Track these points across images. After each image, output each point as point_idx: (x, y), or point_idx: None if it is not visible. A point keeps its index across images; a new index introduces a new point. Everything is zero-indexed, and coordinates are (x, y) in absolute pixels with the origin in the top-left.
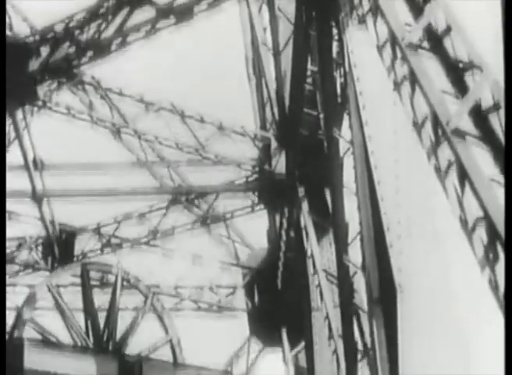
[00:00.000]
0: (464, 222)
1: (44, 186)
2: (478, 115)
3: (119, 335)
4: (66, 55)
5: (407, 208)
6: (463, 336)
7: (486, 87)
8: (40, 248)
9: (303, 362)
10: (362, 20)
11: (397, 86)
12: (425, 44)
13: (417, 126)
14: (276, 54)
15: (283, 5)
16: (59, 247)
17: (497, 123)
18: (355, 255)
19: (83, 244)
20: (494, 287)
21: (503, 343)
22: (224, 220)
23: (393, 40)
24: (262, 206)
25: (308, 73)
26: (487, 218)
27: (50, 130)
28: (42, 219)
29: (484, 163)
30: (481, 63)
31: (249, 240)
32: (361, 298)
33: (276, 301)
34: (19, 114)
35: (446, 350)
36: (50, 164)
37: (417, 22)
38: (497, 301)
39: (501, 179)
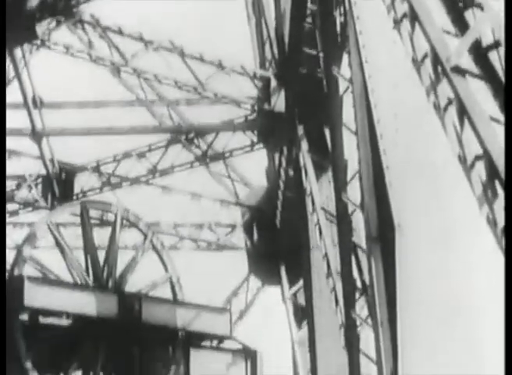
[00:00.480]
0: (462, 159)
1: (44, 124)
2: (478, 52)
3: (118, 273)
4: None
5: (406, 146)
6: (462, 272)
7: (487, 25)
8: (39, 186)
9: (301, 300)
10: None
11: (397, 24)
12: None
13: (417, 64)
14: None
15: None
16: (59, 185)
17: (497, 60)
18: (354, 193)
19: (83, 182)
20: (492, 224)
21: (503, 279)
22: (223, 159)
23: None
24: (261, 145)
25: (308, 11)
26: (486, 155)
27: (49, 68)
28: (42, 157)
29: (483, 101)
30: (482, 1)
31: (248, 178)
32: (360, 236)
33: (275, 239)
34: (18, 53)
35: (446, 287)
36: (49, 102)
37: None
38: (495, 238)
39: (501, 116)
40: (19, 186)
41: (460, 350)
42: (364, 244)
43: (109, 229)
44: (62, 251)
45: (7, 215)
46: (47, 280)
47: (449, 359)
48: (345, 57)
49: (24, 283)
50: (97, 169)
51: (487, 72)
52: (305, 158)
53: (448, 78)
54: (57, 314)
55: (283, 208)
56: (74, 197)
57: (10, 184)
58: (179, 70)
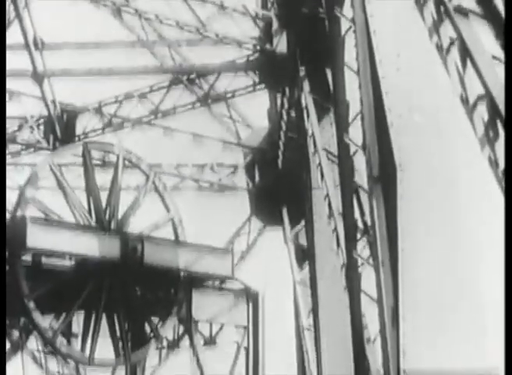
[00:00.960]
0: (464, 100)
1: (45, 65)
2: None
3: (120, 214)
4: None
5: (408, 87)
6: (462, 213)
7: None
8: (41, 127)
9: (303, 241)
10: None
11: None
12: None
13: (420, 4)
14: None
15: None
16: (61, 126)
17: (500, 0)
18: (356, 134)
19: (85, 123)
20: (494, 164)
21: (503, 219)
22: (225, 100)
23: None
24: (263, 86)
25: None
26: (488, 95)
27: (50, 9)
28: (43, 98)
29: (486, 41)
30: None
31: (250, 119)
32: (362, 177)
33: (277, 180)
34: None
35: (447, 224)
36: (50, 44)
37: None
38: (496, 179)
39: (502, 56)
40: (20, 127)
41: (462, 285)
42: (365, 185)
43: (111, 170)
44: (65, 193)
45: (8, 156)
46: (49, 221)
47: (449, 297)
48: None
49: (27, 225)
50: (98, 110)
51: (489, 12)
52: (307, 99)
53: (450, 18)
54: (59, 255)
55: (285, 149)
56: (76, 138)
57: (12, 125)
58: (180, 11)
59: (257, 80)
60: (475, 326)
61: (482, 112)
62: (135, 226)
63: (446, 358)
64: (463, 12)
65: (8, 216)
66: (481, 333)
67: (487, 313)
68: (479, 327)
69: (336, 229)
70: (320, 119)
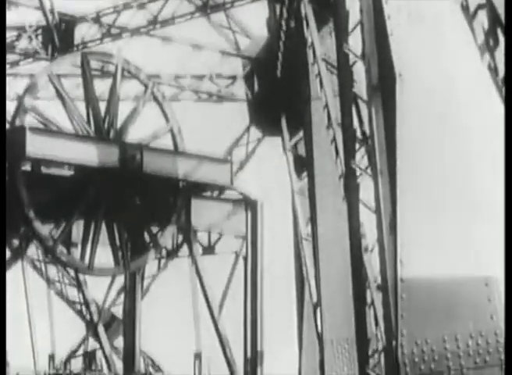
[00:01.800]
0: (465, 8)
1: None
2: None
3: (119, 123)
4: None
5: None
6: (462, 122)
7: None
8: (40, 37)
9: (302, 151)
10: None
11: None
12: None
13: None
14: None
15: None
16: (59, 36)
17: None
18: (355, 44)
19: (83, 33)
20: (493, 72)
21: (503, 129)
22: (224, 9)
23: None
24: None
25: None
26: (488, 3)
27: None
28: (41, 7)
29: None
30: None
31: (249, 29)
32: (361, 87)
33: (276, 90)
34: None
35: (445, 136)
36: None
37: None
38: (496, 86)
39: None
40: (19, 37)
41: (461, 194)
42: (364, 95)
43: (110, 80)
44: (63, 102)
45: (7, 66)
46: (49, 130)
47: (448, 205)
48: None
49: (26, 134)
50: (97, 19)
51: None
52: (306, 9)
53: None
54: (59, 164)
55: (284, 59)
56: (74, 48)
57: (10, 35)
58: None
59: None
60: (475, 235)
61: (482, 19)
62: (134, 136)
63: (443, 266)
64: None
65: (7, 125)
66: (480, 243)
67: (487, 222)
68: (479, 236)
69: (334, 139)
70: (319, 29)
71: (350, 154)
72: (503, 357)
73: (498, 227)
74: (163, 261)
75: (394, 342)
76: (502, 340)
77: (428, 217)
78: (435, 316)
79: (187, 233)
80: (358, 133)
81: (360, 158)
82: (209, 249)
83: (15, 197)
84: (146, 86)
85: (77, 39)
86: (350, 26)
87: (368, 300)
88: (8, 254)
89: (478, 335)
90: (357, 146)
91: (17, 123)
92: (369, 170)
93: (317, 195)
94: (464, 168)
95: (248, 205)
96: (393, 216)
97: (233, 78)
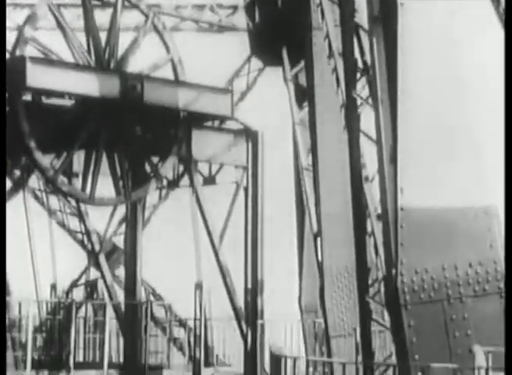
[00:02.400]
0: None
1: None
2: None
3: (120, 54)
4: None
5: None
6: (463, 53)
7: None
8: None
9: (303, 81)
10: None
11: None
12: None
13: None
14: None
15: None
16: None
17: None
18: None
19: None
20: (495, 1)
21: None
22: None
23: None
24: None
25: None
26: None
27: None
28: None
29: None
30: None
31: None
32: (362, 16)
33: (277, 20)
34: None
35: (446, 63)
36: None
37: None
38: (497, 15)
39: None
40: None
41: (463, 124)
42: (366, 25)
43: (110, 10)
44: (64, 33)
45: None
46: (49, 60)
47: (449, 134)
48: None
49: (26, 63)
50: None
51: None
52: None
53: None
54: (60, 95)
55: None
56: None
57: None
58: None
59: None
60: (475, 164)
61: None
62: (135, 67)
63: (444, 195)
64: None
65: (7, 55)
66: (481, 172)
67: (488, 152)
68: (479, 165)
69: (335, 69)
70: None
71: (351, 84)
72: (501, 285)
73: (498, 157)
74: (164, 191)
75: (394, 271)
76: (500, 269)
77: (429, 147)
78: (434, 245)
79: (188, 163)
80: (359, 63)
81: (361, 88)
82: (210, 180)
83: (15, 127)
84: (146, 16)
85: None
86: None
87: (369, 229)
88: (9, 184)
89: (477, 264)
90: (358, 76)
91: (17, 53)
92: (370, 100)
93: (318, 125)
94: (467, 94)
95: (249, 135)
96: (394, 145)
97: (234, 8)
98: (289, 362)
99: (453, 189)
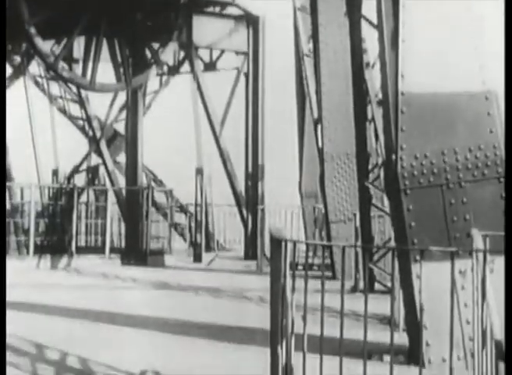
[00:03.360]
0: None
1: None
2: None
3: None
4: None
5: None
6: None
7: None
8: None
9: None
10: None
11: None
12: None
13: None
14: None
15: None
16: None
17: None
18: None
19: None
20: None
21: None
22: None
23: None
24: None
25: None
26: None
27: None
28: None
29: None
30: None
31: None
32: None
33: None
34: None
35: None
36: None
37: None
38: None
39: None
40: None
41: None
42: None
43: None
44: None
45: None
46: None
47: (450, 24)
48: None
49: None
50: None
51: None
52: None
53: None
54: None
55: None
56: None
57: None
58: None
59: None
60: (477, 50)
61: None
62: None
63: (445, 81)
64: None
65: None
66: (482, 58)
67: (489, 37)
68: (480, 51)
69: None
70: None
71: None
72: (500, 170)
73: (499, 42)
74: (164, 77)
75: (394, 156)
76: (500, 153)
77: (431, 31)
78: (434, 130)
79: (189, 49)
80: None
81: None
82: (210, 66)
83: (15, 13)
84: None
85: None
86: None
87: (369, 115)
88: (9, 70)
89: (476, 149)
90: None
91: None
92: None
93: (319, 11)
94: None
95: (250, 21)
96: (395, 30)
97: None
98: (290, 246)
99: (454, 74)
